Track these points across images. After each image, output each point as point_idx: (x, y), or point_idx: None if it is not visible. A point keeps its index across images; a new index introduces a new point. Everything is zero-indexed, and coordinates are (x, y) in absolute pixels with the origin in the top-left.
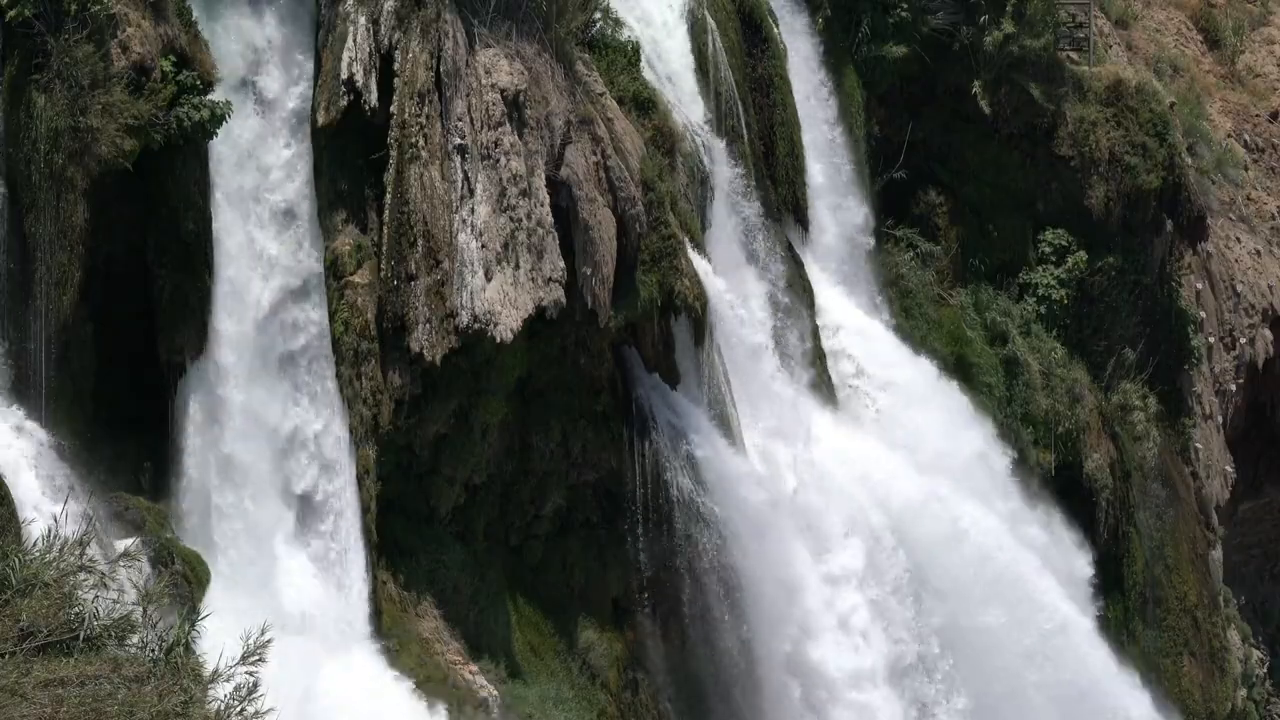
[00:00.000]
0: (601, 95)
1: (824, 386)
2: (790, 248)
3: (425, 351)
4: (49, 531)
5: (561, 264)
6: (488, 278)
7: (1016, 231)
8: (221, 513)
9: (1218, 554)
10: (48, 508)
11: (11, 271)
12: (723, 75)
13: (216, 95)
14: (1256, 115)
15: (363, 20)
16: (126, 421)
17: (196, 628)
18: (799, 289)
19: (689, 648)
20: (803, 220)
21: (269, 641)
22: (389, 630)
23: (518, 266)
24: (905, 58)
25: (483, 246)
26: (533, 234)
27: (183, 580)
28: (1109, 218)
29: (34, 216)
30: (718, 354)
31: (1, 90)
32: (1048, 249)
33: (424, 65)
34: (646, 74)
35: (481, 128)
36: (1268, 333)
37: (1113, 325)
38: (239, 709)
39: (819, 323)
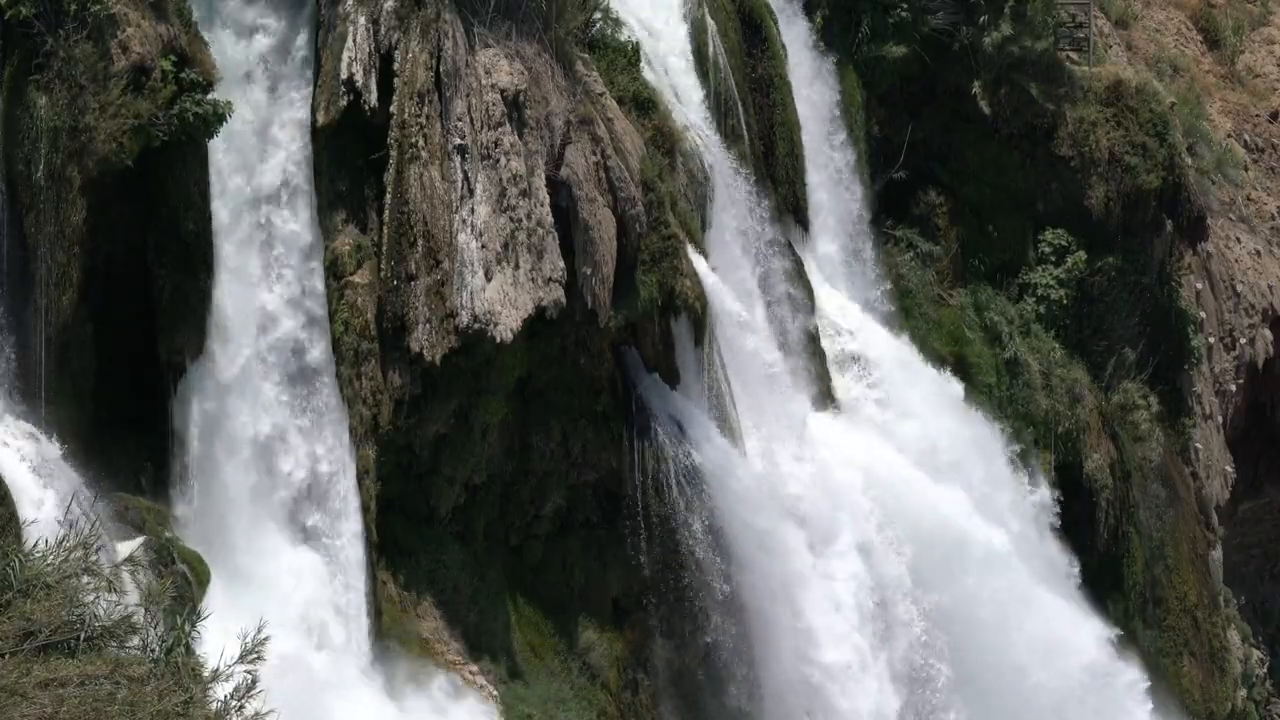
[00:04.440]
0: (601, 95)
1: (823, 386)
2: (790, 247)
3: (425, 351)
4: (60, 536)
5: (561, 264)
6: (488, 278)
7: (1016, 231)
8: (220, 512)
9: (1218, 554)
10: (48, 508)
11: (11, 271)
12: (723, 75)
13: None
14: (1256, 115)
15: (363, 20)
16: (126, 421)
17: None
18: (799, 288)
19: (689, 648)
20: (803, 220)
21: (267, 640)
22: (389, 630)
23: (518, 266)
24: (905, 58)
25: (483, 246)
26: (533, 234)
27: (183, 580)
28: (1109, 218)
29: (34, 216)
30: (718, 354)
31: (1, 90)
32: (1047, 249)
33: (424, 65)
34: (646, 74)
35: (481, 128)
36: (1268, 333)
37: (1113, 325)
38: (238, 708)
39: (819, 322)
